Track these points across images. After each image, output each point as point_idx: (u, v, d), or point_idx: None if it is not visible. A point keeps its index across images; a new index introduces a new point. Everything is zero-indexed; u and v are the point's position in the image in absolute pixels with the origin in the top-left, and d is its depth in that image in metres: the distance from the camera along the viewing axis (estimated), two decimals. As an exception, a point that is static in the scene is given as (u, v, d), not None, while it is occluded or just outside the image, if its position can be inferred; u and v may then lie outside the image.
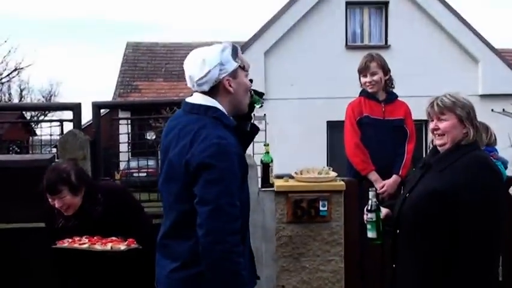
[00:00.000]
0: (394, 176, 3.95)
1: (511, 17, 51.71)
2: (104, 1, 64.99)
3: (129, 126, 5.31)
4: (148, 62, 19.32)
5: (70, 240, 3.03)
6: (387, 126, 4.02)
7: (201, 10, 57.41)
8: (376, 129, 4.00)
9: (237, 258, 2.16)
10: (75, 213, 3.05)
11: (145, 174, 6.85)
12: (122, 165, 8.39)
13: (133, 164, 7.83)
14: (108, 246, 2.99)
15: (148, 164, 6.02)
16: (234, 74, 2.33)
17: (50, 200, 3.01)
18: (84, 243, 3.00)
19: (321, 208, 3.85)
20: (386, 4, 13.74)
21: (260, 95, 2.62)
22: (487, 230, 2.54)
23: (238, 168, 2.23)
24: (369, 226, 2.87)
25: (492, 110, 13.19)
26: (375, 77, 4.02)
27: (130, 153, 5.85)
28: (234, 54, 2.37)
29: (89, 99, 4.47)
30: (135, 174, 7.86)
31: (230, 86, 2.31)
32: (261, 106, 2.59)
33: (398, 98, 4.14)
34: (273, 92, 12.38)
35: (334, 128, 12.23)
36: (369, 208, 2.85)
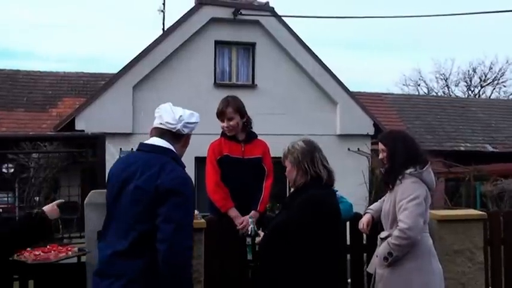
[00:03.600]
0: (253, 212, 4.06)
1: (364, 61, 56.29)
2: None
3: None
4: (9, 90, 18.12)
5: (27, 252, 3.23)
6: (246, 164, 4.17)
7: (67, 38, 55.35)
8: (236, 168, 4.14)
9: (191, 269, 2.64)
10: None
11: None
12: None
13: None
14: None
15: (5, 199, 5.70)
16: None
17: None
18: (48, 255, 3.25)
19: (181, 246, 3.86)
20: (253, 45, 14.28)
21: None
22: (313, 259, 2.96)
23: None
24: (247, 249, 3.33)
25: (348, 149, 14.15)
26: (232, 122, 4.17)
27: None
28: None
29: None
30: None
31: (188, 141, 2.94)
32: None
33: (257, 137, 4.33)
34: (141, 126, 12.21)
35: (201, 163, 12.29)
36: (248, 233, 3.31)
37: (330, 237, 3.02)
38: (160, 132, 2.84)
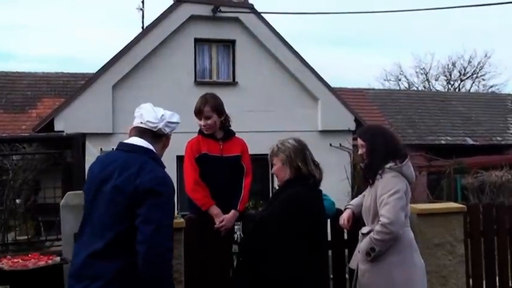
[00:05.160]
0: (232, 211, 4.01)
1: (345, 56, 56.58)
2: None
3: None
4: (-14, 92, 17.90)
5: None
6: (225, 162, 4.13)
7: (46, 38, 54.61)
8: (215, 166, 4.09)
9: (171, 270, 2.59)
10: None
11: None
12: None
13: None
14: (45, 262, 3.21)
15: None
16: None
17: None
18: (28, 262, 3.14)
19: (160, 246, 3.82)
20: (233, 42, 14.23)
21: None
22: (291, 255, 3.02)
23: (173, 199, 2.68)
24: (234, 256, 3.42)
25: (330, 145, 14.18)
26: (209, 121, 4.13)
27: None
28: None
29: None
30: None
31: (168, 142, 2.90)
32: None
33: (235, 135, 4.30)
34: (121, 125, 12.08)
35: (183, 162, 12.20)
36: (235, 240, 3.44)
37: (311, 235, 3.05)
38: (140, 132, 2.79)
